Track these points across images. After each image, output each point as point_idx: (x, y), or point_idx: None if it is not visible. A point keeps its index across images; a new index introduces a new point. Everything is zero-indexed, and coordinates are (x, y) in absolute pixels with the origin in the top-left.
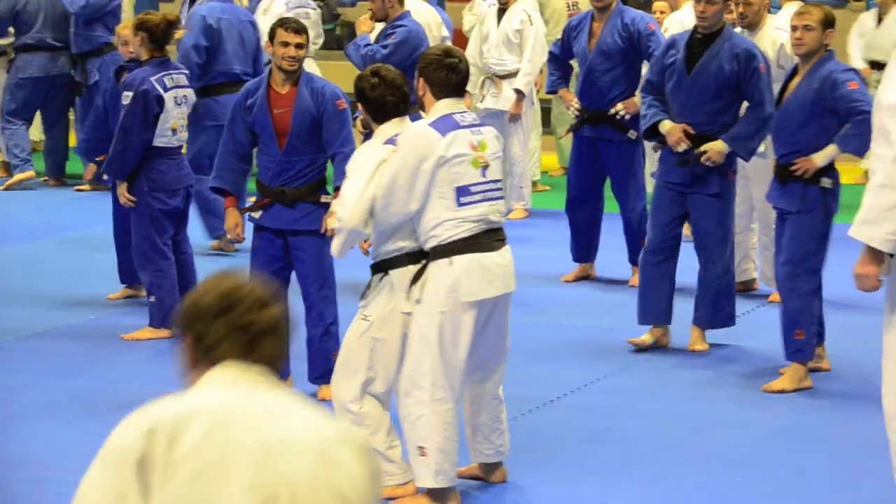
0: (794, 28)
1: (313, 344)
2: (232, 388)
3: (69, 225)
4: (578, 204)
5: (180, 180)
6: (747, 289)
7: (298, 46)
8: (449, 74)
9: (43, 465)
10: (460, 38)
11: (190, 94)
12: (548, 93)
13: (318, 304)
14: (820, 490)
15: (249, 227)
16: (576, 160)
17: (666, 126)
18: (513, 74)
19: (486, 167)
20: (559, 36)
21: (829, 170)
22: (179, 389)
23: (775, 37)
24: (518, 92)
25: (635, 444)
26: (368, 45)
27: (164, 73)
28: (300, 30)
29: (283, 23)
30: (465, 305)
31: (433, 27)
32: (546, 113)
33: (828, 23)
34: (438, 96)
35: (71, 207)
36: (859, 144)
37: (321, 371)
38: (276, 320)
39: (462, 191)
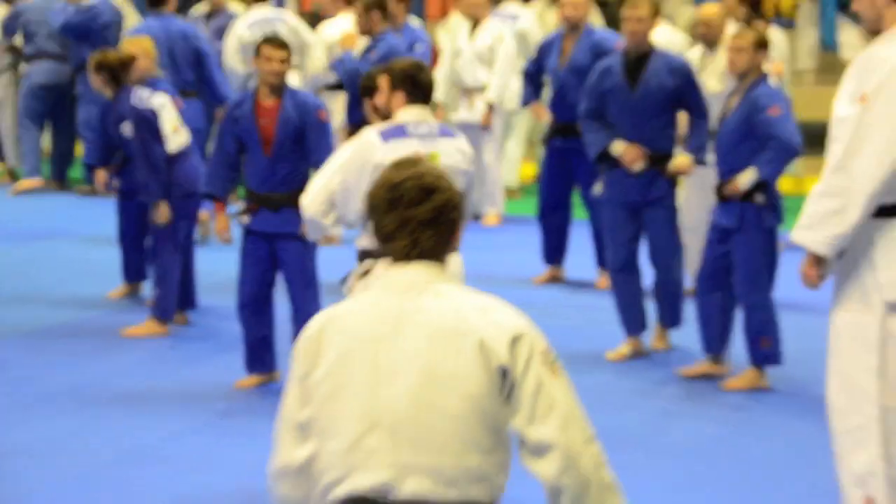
0: (728, 49)
1: None
2: (385, 292)
3: (71, 226)
4: (550, 212)
5: (199, 180)
6: None
7: (282, 61)
8: (414, 84)
9: (44, 454)
10: (437, 55)
11: (164, 93)
12: (522, 106)
13: (304, 305)
14: (776, 480)
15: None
16: (547, 170)
17: (620, 147)
18: (484, 88)
19: None
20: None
21: (763, 186)
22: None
23: None
24: (488, 104)
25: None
26: (352, 60)
27: (132, 93)
28: (283, 45)
29: (267, 39)
30: None
31: None
32: None
33: (760, 44)
34: (405, 104)
35: (72, 209)
36: (772, 169)
37: None
38: (434, 212)
39: None
